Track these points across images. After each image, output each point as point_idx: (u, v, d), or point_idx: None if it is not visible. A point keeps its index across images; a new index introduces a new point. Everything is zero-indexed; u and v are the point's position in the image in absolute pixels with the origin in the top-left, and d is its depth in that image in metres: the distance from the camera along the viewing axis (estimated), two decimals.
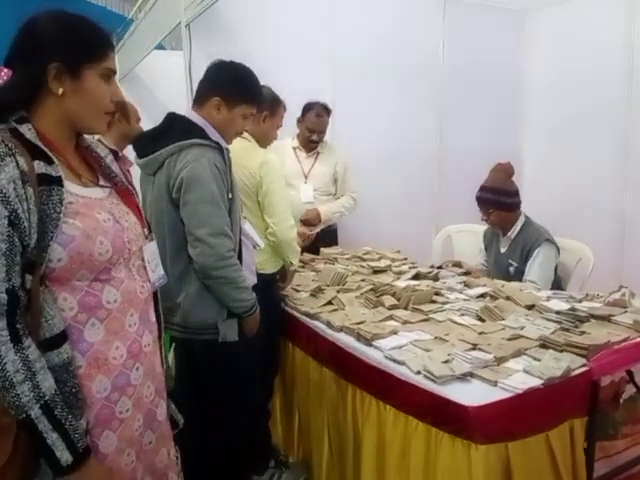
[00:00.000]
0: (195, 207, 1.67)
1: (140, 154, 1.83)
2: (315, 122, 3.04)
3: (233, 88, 1.82)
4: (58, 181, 0.98)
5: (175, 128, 1.78)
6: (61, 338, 0.98)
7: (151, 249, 1.17)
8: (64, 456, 0.95)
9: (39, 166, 0.97)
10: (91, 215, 1.02)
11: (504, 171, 2.72)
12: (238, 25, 3.28)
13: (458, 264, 2.82)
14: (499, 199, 2.64)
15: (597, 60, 3.62)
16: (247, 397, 1.93)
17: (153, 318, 1.18)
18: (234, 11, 3.22)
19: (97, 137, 1.59)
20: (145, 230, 1.16)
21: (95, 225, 1.02)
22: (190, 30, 3.08)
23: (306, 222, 2.98)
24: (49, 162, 0.99)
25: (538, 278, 2.54)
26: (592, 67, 3.64)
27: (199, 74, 3.04)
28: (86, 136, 1.15)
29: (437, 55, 3.88)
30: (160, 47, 4.61)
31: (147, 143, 1.82)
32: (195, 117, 1.80)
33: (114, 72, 1.09)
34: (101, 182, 1.12)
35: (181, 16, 3.08)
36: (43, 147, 0.99)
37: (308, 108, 3.03)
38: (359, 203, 3.29)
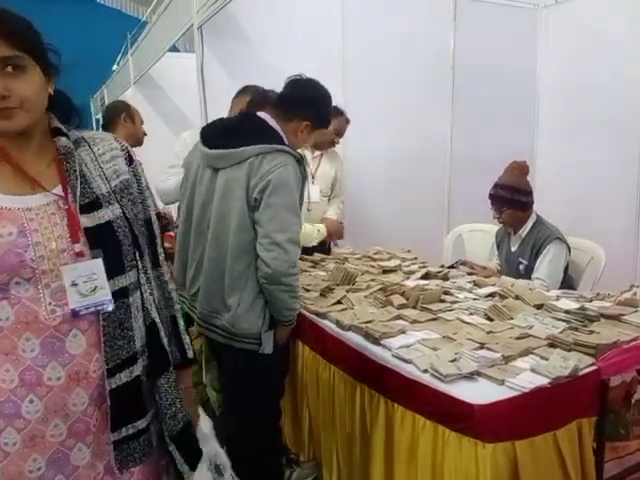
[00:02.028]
0: (278, 211, 1.66)
1: (211, 145, 1.81)
2: (344, 127, 3.19)
3: (325, 118, 1.93)
4: None
5: (252, 128, 1.78)
6: None
7: (85, 269, 1.00)
8: None
9: None
10: None
11: (519, 169, 2.71)
12: (250, 27, 3.31)
13: (464, 263, 2.84)
14: (513, 197, 2.63)
15: (612, 57, 3.58)
16: (274, 401, 1.97)
17: (74, 350, 0.99)
18: (246, 13, 3.26)
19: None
20: (77, 246, 1.00)
21: None
22: (202, 32, 3.12)
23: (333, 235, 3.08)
24: None
25: (547, 276, 2.53)
26: (607, 64, 3.61)
27: (211, 76, 3.13)
28: (76, 132, 1.08)
29: (448, 53, 3.87)
30: (175, 49, 4.66)
31: (219, 136, 1.81)
32: (274, 124, 1.80)
33: None
34: (55, 190, 1.02)
35: (193, 18, 3.13)
36: None
37: (340, 112, 3.12)
38: (371, 202, 3.32)
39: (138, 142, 2.99)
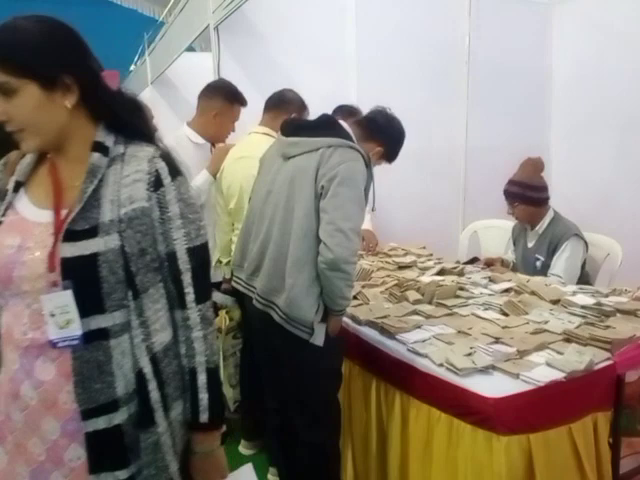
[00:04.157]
0: (344, 201, 1.70)
1: (289, 135, 1.89)
2: None
3: (395, 154, 2.01)
4: (3, 196, 1.03)
5: (330, 126, 1.85)
6: None
7: (59, 300, 0.95)
8: None
9: (10, 181, 1.05)
10: (1, 236, 0.99)
11: (532, 165, 2.70)
12: (265, 27, 3.33)
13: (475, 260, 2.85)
14: (524, 193, 2.63)
15: (626, 54, 3.54)
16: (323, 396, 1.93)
17: (42, 376, 0.96)
18: (261, 13, 3.28)
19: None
20: (51, 275, 0.94)
21: None
22: (219, 32, 3.16)
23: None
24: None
25: (563, 272, 2.52)
26: (621, 61, 3.56)
27: (227, 75, 3.16)
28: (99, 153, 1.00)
29: (463, 50, 3.86)
30: (190, 48, 4.70)
31: (298, 128, 1.90)
32: (351, 133, 1.84)
33: None
34: (65, 209, 0.98)
35: (209, 19, 3.16)
36: (23, 165, 1.05)
37: (355, 111, 3.08)
38: (386, 198, 3.31)
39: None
